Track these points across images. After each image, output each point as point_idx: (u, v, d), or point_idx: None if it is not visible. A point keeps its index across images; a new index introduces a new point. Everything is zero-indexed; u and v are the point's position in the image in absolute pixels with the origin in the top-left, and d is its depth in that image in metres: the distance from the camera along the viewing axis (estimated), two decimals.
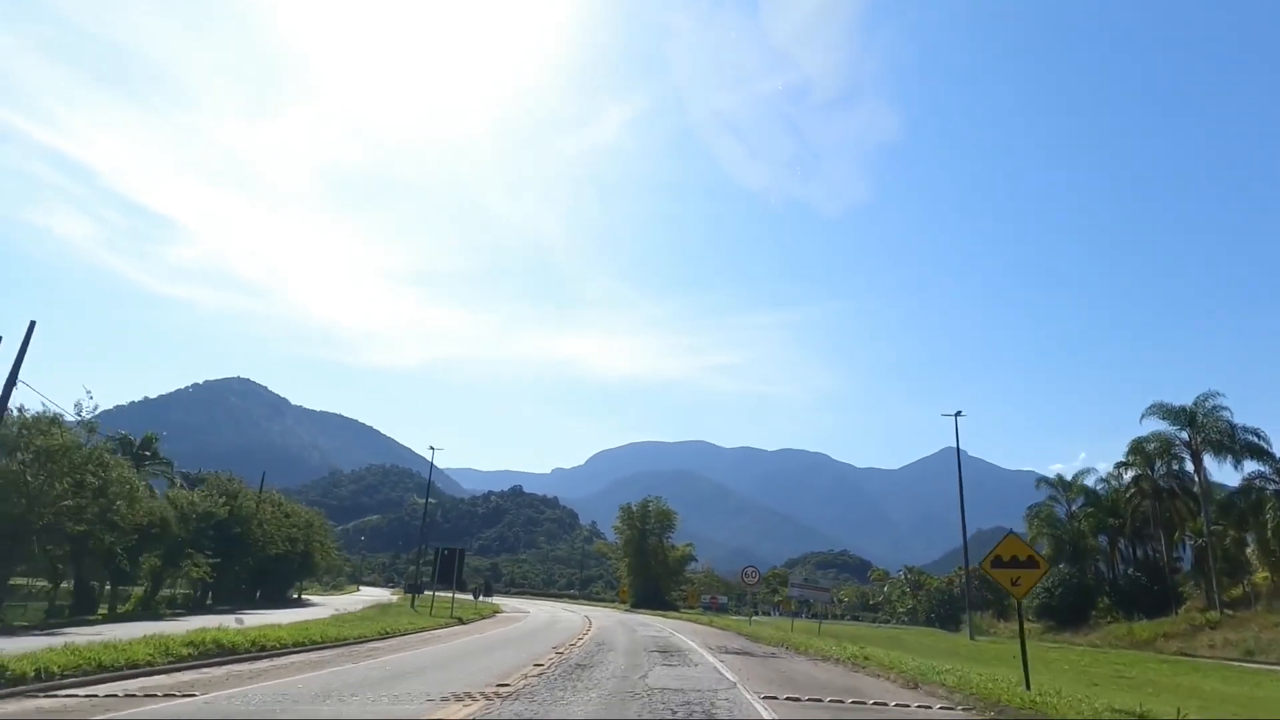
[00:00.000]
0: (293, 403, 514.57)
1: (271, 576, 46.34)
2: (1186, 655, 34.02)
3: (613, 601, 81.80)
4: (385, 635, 20.99)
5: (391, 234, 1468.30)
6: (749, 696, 11.07)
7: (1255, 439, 41.75)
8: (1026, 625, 54.17)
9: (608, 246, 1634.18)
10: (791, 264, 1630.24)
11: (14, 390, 20.29)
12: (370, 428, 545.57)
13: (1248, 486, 42.99)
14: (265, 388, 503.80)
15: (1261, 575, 43.04)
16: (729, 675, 13.85)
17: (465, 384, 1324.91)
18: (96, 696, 9.15)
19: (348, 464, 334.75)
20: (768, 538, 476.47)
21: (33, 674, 9.50)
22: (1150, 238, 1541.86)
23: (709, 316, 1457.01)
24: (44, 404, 24.14)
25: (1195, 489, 45.42)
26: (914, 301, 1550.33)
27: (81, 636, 14.85)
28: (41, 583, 30.02)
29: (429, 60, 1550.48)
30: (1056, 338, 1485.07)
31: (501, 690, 10.39)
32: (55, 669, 9.92)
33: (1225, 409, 42.88)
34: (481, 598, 59.07)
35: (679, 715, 9.03)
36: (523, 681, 11.42)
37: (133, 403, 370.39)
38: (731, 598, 79.42)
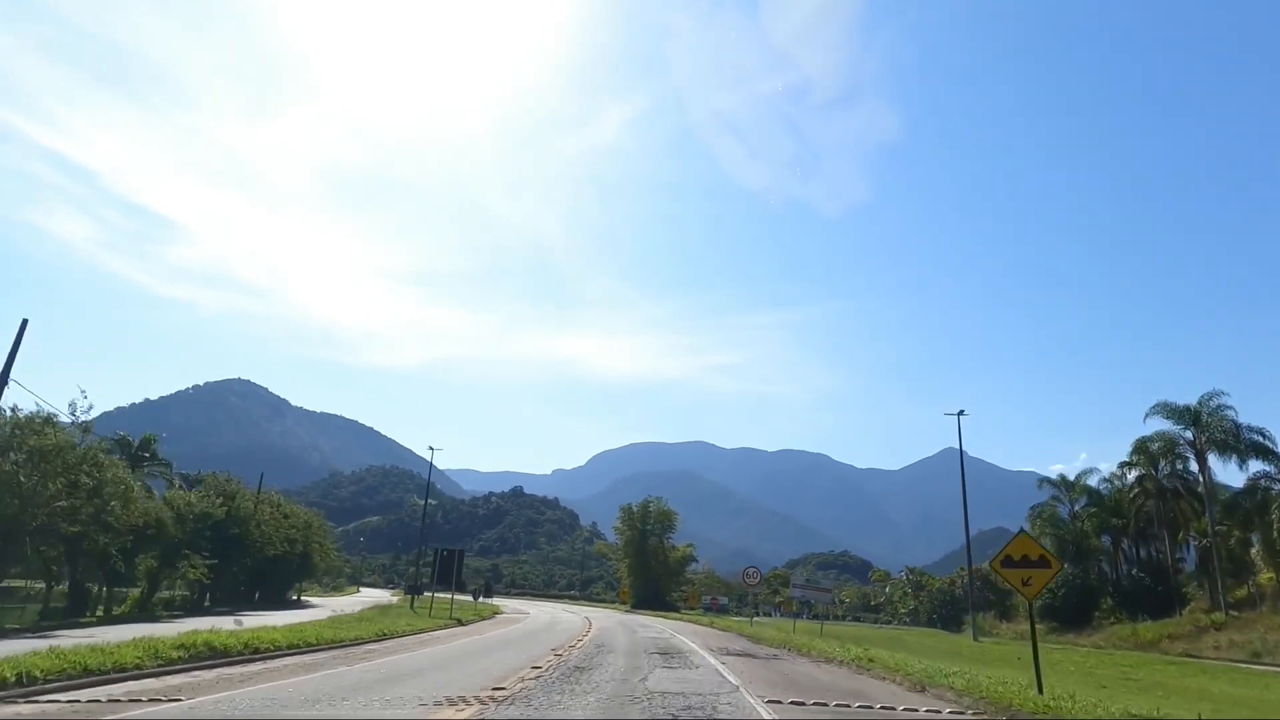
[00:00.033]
0: (293, 404, 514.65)
1: (270, 578, 46.06)
2: (1192, 657, 33.70)
3: (613, 602, 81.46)
4: (382, 637, 20.71)
5: (391, 234, 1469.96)
6: (752, 700, 10.77)
7: (1260, 438, 41.41)
8: (1029, 626, 54.10)
9: (608, 246, 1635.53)
10: (792, 264, 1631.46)
11: (5, 389, 20.03)
12: (370, 429, 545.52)
13: (1253, 486, 42.67)
14: (265, 389, 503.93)
15: (1266, 576, 42.69)
16: (731, 678, 13.55)
17: (465, 384, 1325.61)
18: (79, 702, 8.86)
19: (348, 465, 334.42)
20: (768, 538, 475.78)
21: (13, 678, 9.19)
22: (1150, 237, 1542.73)
23: (709, 316, 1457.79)
24: (38, 404, 23.91)
25: (1200, 489, 45.08)
26: (914, 301, 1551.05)
27: (73, 639, 14.58)
28: (40, 585, 29.77)
29: (429, 60, 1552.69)
30: (1056, 338, 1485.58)
31: (497, 694, 10.11)
32: (38, 673, 9.63)
33: (1230, 408, 42.56)
34: (481, 599, 58.78)
35: None
36: (519, 685, 11.13)
37: (133, 404, 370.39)
38: (732, 598, 79.07)
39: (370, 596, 70.76)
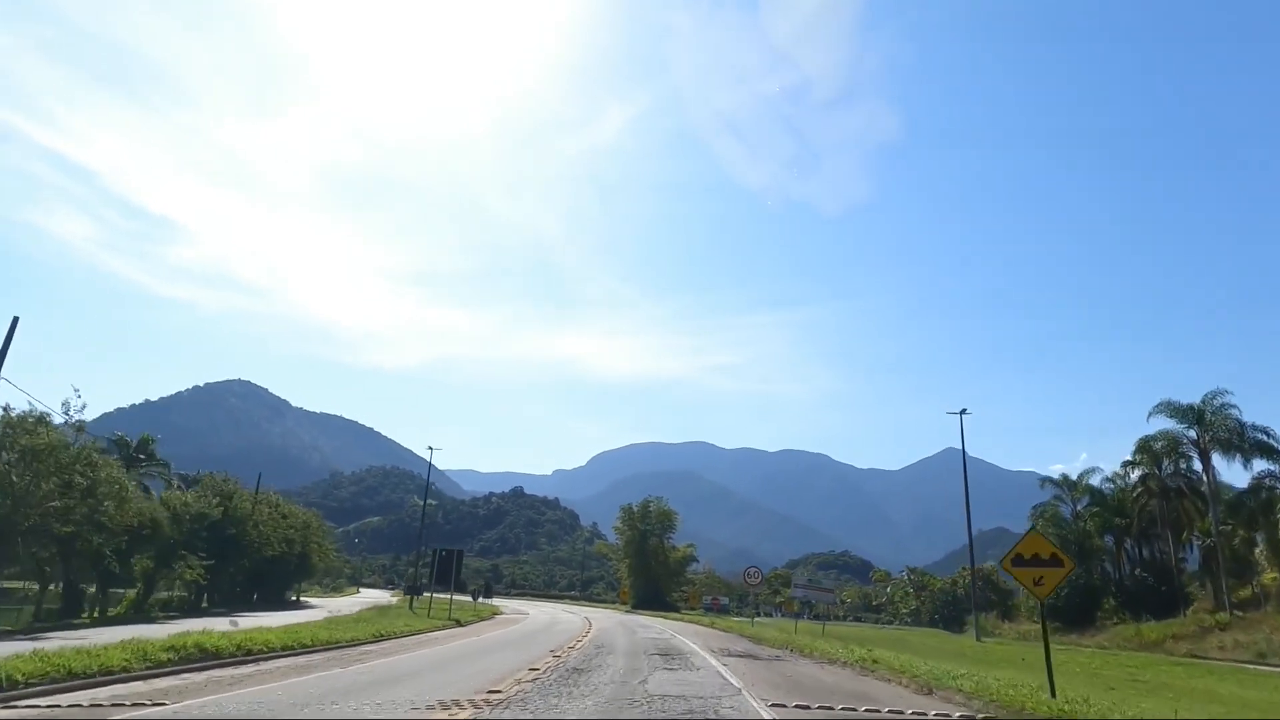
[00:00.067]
0: (293, 404, 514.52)
1: (268, 578, 45.78)
2: (1197, 657, 33.40)
3: (613, 603, 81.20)
4: (379, 638, 20.44)
5: (391, 234, 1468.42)
6: (755, 703, 10.47)
7: (1265, 437, 41.14)
8: (1032, 626, 53.50)
9: (608, 246, 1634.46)
10: (792, 263, 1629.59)
11: None
12: (371, 429, 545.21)
13: (1257, 486, 42.46)
14: (266, 389, 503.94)
15: (1270, 576, 42.42)
16: (733, 680, 13.24)
17: (466, 385, 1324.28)
18: (59, 707, 8.58)
19: (348, 465, 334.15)
20: (769, 538, 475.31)
21: None
22: (1151, 237, 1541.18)
23: (709, 316, 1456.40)
24: (30, 403, 23.65)
25: (1203, 488, 44.80)
26: (914, 301, 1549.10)
27: (64, 641, 14.33)
28: (37, 586, 29.51)
29: (429, 60, 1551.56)
30: (1056, 338, 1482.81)
31: (492, 697, 9.81)
32: (19, 677, 9.34)
33: (1234, 407, 42.29)
34: (481, 599, 58.56)
35: None
36: (516, 688, 10.83)
37: (133, 405, 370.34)
38: (733, 599, 78.77)
39: (370, 597, 70.50)
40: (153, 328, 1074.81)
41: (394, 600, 57.24)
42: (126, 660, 11.30)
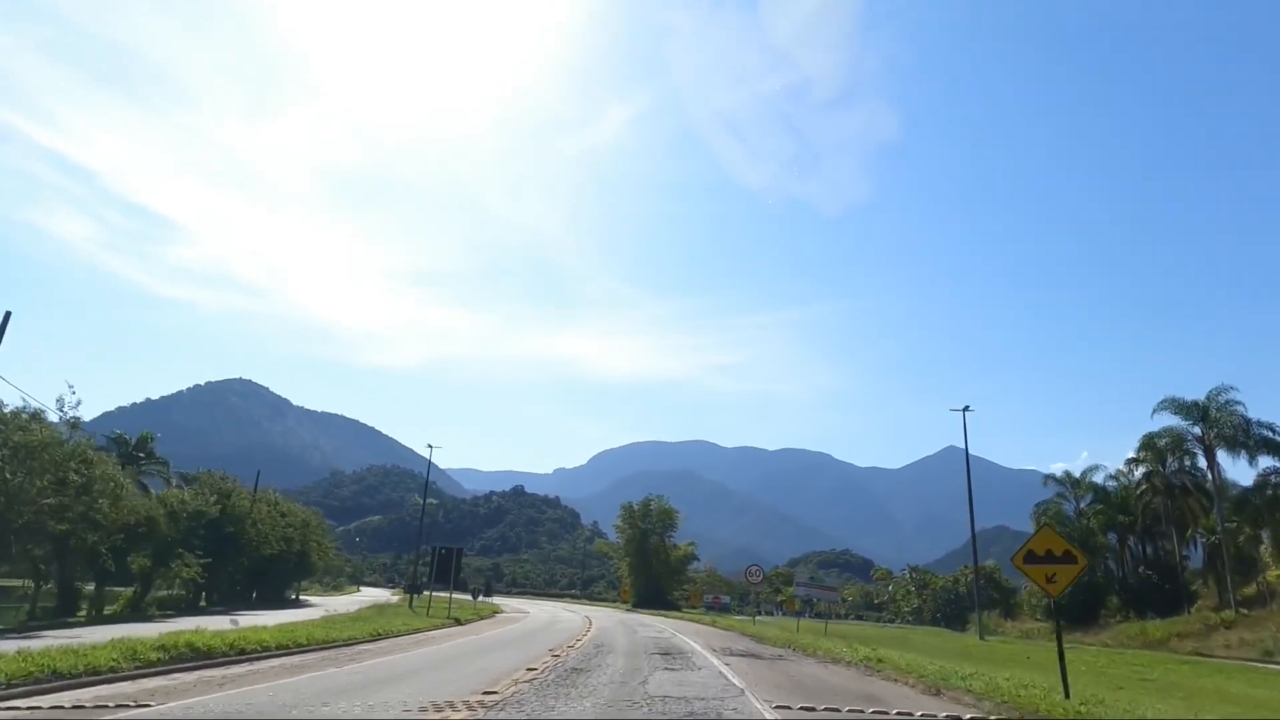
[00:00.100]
0: (294, 403, 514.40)
1: (267, 577, 45.54)
2: (1203, 655, 33.11)
3: (614, 601, 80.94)
4: (376, 637, 20.15)
5: (392, 234, 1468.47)
6: (759, 704, 10.16)
7: (1271, 434, 40.89)
8: (1035, 624, 53.23)
9: (608, 246, 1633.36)
10: (793, 263, 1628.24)
11: None
12: (372, 428, 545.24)
13: (1263, 482, 42.13)
14: (267, 388, 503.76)
15: (1275, 574, 42.07)
16: (736, 680, 12.93)
17: (466, 384, 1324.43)
18: (40, 709, 8.28)
19: (349, 465, 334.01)
20: (770, 537, 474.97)
21: None
22: (1152, 236, 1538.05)
23: (710, 316, 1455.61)
24: (24, 399, 23.38)
25: (1208, 485, 44.51)
26: (914, 300, 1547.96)
27: (56, 640, 14.03)
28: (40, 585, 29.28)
29: (429, 60, 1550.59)
30: (1057, 336, 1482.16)
31: (487, 699, 9.52)
32: (1, 677, 9.07)
33: (1239, 403, 42.07)
34: (481, 598, 58.32)
35: None
36: (512, 689, 10.52)
37: (134, 404, 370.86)
38: (734, 597, 78.52)
39: (370, 596, 70.27)
40: (153, 327, 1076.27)
41: (394, 599, 56.99)
42: (114, 660, 11.01)
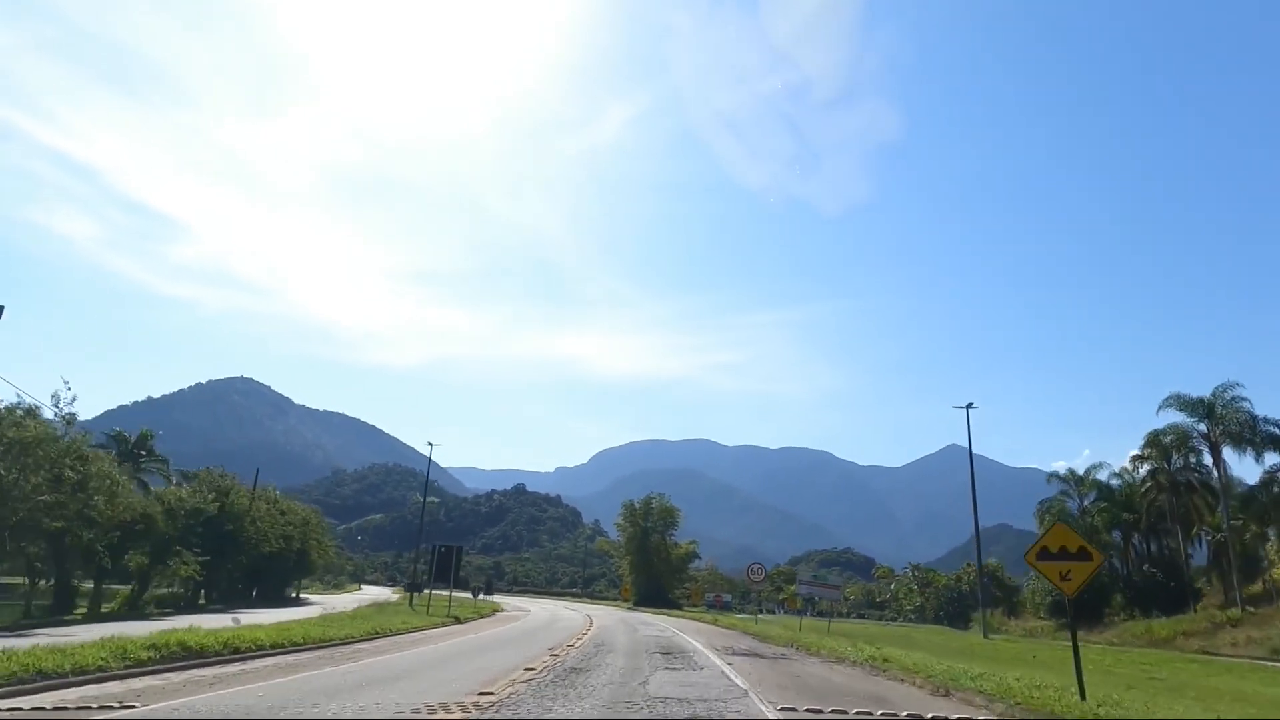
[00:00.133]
0: (296, 402, 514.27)
1: (267, 575, 45.38)
2: (1209, 654, 32.82)
3: (615, 600, 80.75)
4: (374, 635, 19.91)
5: (392, 234, 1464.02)
6: (763, 707, 9.86)
7: (1277, 430, 40.52)
8: (1038, 623, 52.90)
9: (609, 245, 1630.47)
10: (793, 263, 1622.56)
11: None
12: (373, 427, 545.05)
13: (1269, 480, 41.84)
14: (268, 387, 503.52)
15: None
16: (739, 681, 12.63)
17: (467, 383, 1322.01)
18: (21, 710, 8.01)
19: (351, 463, 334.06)
20: (771, 536, 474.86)
21: None
22: (1152, 235, 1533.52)
23: (711, 315, 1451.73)
24: (19, 395, 23.15)
25: (1214, 482, 44.17)
26: (915, 299, 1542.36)
27: (51, 638, 13.76)
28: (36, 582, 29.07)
29: (429, 60, 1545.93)
30: (1058, 335, 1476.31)
31: (482, 700, 9.23)
32: None
33: (1245, 400, 41.69)
34: (482, 596, 58.08)
35: None
36: (509, 689, 10.23)
37: (136, 402, 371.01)
38: (735, 596, 78.33)
39: (371, 594, 70.09)
40: (154, 326, 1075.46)
41: (394, 597, 56.79)
42: (103, 659, 10.74)
